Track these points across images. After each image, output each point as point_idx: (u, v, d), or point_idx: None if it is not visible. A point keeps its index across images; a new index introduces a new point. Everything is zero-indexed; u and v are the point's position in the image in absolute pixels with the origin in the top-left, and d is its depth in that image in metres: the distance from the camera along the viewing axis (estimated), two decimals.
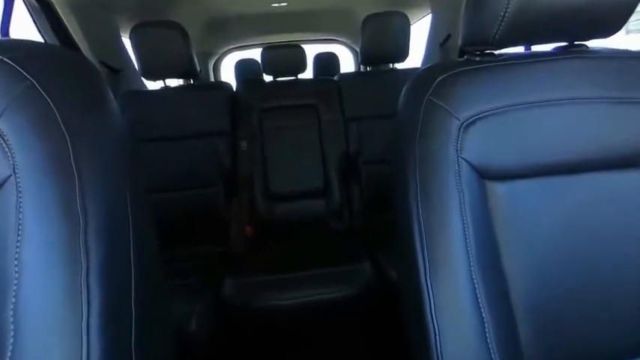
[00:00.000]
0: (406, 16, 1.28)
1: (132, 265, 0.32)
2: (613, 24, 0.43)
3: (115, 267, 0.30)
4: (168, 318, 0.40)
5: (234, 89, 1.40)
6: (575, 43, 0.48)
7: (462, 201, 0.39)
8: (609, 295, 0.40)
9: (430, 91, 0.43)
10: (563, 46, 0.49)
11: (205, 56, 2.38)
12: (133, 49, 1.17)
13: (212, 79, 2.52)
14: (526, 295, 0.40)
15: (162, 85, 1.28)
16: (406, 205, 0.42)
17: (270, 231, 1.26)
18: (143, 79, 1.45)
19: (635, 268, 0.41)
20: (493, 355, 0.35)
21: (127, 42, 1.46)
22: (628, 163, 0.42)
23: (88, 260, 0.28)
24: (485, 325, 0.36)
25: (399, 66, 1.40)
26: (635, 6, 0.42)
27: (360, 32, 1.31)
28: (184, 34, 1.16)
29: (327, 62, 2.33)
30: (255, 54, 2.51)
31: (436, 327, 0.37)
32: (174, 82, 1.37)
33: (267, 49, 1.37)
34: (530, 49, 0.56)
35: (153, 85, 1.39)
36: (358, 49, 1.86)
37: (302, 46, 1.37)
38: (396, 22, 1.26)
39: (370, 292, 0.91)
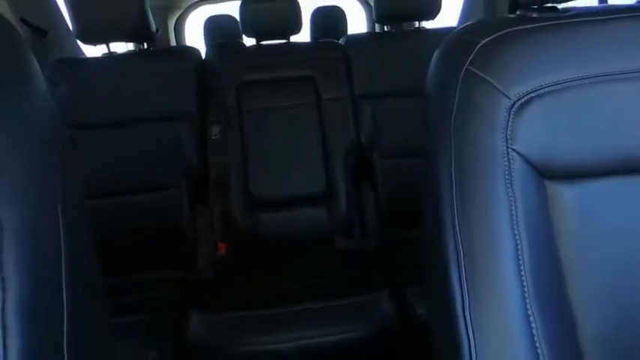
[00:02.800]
0: None
1: (64, 299, 0.32)
2: None
3: (40, 301, 0.30)
4: None
5: (204, 56, 1.40)
6: None
7: (513, 209, 0.39)
8: None
9: (470, 59, 0.43)
10: None
11: (163, 11, 2.39)
12: (65, 2, 1.17)
13: (173, 42, 2.53)
14: (599, 334, 0.40)
15: (106, 51, 1.28)
16: (438, 216, 0.42)
17: (252, 250, 1.25)
18: (79, 43, 1.45)
19: None
20: (536, 337, 0.36)
21: None
22: None
23: (3, 293, 0.28)
24: (527, 312, 0.37)
25: (427, 25, 1.40)
26: None
27: None
28: None
29: (329, 20, 2.34)
30: (232, 9, 2.51)
31: None
32: (121, 47, 1.37)
33: (248, 2, 1.37)
34: (606, 1, 0.56)
35: (93, 52, 1.39)
36: (372, 2, 1.86)
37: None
38: None
39: (388, 331, 0.91)
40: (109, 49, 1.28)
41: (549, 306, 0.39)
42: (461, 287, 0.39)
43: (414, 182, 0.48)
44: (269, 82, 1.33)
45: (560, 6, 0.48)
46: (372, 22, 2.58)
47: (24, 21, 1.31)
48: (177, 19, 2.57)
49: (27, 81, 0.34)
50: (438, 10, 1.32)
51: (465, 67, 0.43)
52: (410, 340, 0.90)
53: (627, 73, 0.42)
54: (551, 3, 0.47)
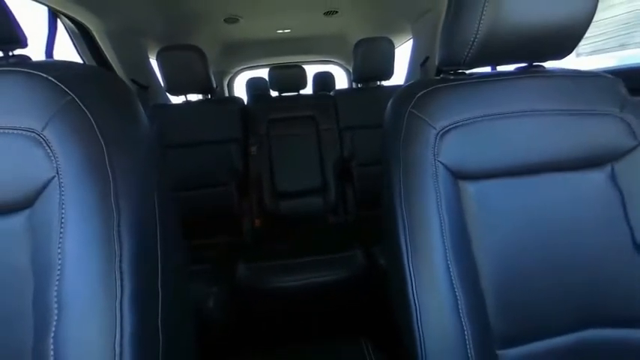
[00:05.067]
0: (391, 41, 1.28)
1: (158, 254, 0.32)
2: (565, 48, 0.43)
3: (144, 255, 0.30)
4: (189, 298, 0.40)
5: (246, 103, 1.39)
6: (534, 64, 0.48)
7: (438, 198, 0.39)
8: (562, 276, 0.41)
9: (411, 105, 0.43)
10: (524, 67, 0.49)
11: (221, 75, 2.38)
12: (160, 69, 1.16)
13: (226, 94, 2.52)
14: (492, 277, 0.40)
15: (184, 99, 1.28)
16: (392, 202, 0.42)
17: (276, 224, 1.25)
18: (168, 95, 1.45)
19: (584, 254, 0.41)
20: (465, 327, 0.35)
21: (153, 62, 1.46)
22: (579, 165, 0.43)
23: (121, 249, 0.28)
24: (459, 302, 0.36)
25: (385, 83, 1.41)
26: (584, 33, 0.42)
27: (352, 54, 1.32)
28: (203, 56, 1.16)
29: (324, 80, 2.33)
30: (263, 73, 2.51)
31: (417, 304, 0.37)
32: (194, 97, 1.37)
33: (273, 69, 1.37)
34: (495, 69, 0.56)
35: (176, 100, 1.39)
36: (351, 69, 1.85)
37: (303, 66, 1.37)
38: (383, 46, 1.27)
39: (362, 275, 0.91)
40: (186, 98, 1.28)
41: (461, 259, 0.39)
42: (406, 246, 0.39)
43: (378, 181, 0.48)
44: (287, 119, 1.33)
45: (468, 71, 0.48)
46: (350, 82, 2.58)
47: (133, 80, 1.30)
48: (229, 80, 2.55)
49: (136, 119, 0.34)
50: (392, 74, 1.32)
51: (408, 110, 0.44)
52: (375, 281, 0.90)
53: (509, 113, 0.43)
54: (461, 70, 0.47)
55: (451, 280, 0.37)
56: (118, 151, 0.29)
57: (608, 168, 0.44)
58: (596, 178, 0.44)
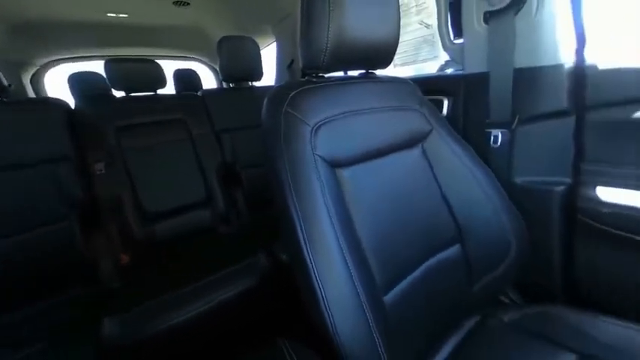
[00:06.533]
0: (255, 42, 1.28)
1: None
2: (387, 60, 0.58)
3: None
4: None
5: (74, 107, 1.04)
6: (370, 71, 0.61)
7: (322, 187, 0.43)
8: (410, 226, 0.54)
9: (286, 104, 0.46)
10: (364, 73, 0.62)
11: (17, 67, 1.65)
12: None
13: (32, 95, 1.78)
14: (370, 241, 0.48)
15: None
16: (284, 199, 0.43)
17: (152, 253, 1.02)
18: None
19: (419, 208, 0.56)
20: (359, 291, 0.41)
21: None
22: (405, 146, 0.58)
23: None
24: (351, 271, 0.41)
25: (256, 84, 1.41)
26: (396, 49, 0.57)
27: (216, 52, 1.23)
28: None
29: (188, 78, 2.07)
30: (97, 67, 1.93)
31: (320, 284, 0.40)
32: None
33: (113, 62, 1.08)
34: (347, 73, 0.68)
35: None
36: (217, 68, 1.73)
37: (158, 61, 1.16)
38: (248, 46, 1.25)
39: (269, 277, 0.88)
40: None
41: (348, 235, 0.43)
42: (303, 237, 0.41)
43: (266, 181, 0.48)
44: (146, 124, 1.09)
45: (327, 75, 0.55)
46: (219, 81, 2.41)
47: None
48: (33, 75, 1.81)
49: None
50: (262, 75, 1.33)
51: (284, 109, 0.46)
52: (282, 278, 0.90)
53: (359, 110, 0.53)
54: (321, 73, 0.54)
55: (344, 256, 0.41)
56: None
57: (420, 146, 0.60)
58: (415, 154, 0.59)
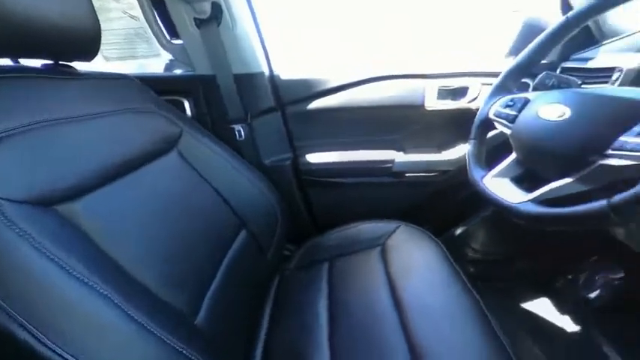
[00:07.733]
0: None
1: None
2: (88, 50, 0.46)
3: None
4: None
5: None
6: (62, 62, 0.46)
7: (33, 240, 0.28)
8: (200, 234, 0.51)
9: None
10: (51, 65, 0.46)
11: None
12: None
13: None
14: (153, 274, 0.39)
15: None
16: None
17: None
18: None
19: (194, 213, 0.52)
20: (162, 336, 0.32)
21: None
22: (163, 151, 0.53)
23: None
24: (143, 324, 0.31)
25: None
26: (96, 38, 0.46)
27: None
28: None
29: None
30: None
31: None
32: None
33: None
34: (18, 62, 0.47)
35: None
36: None
37: None
38: None
39: None
40: None
41: (115, 285, 0.31)
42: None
43: None
44: None
45: None
46: None
47: None
48: None
49: None
50: None
51: None
52: None
53: (69, 117, 0.40)
54: None
55: (126, 313, 0.30)
56: None
57: (175, 150, 0.55)
58: (173, 159, 0.54)
